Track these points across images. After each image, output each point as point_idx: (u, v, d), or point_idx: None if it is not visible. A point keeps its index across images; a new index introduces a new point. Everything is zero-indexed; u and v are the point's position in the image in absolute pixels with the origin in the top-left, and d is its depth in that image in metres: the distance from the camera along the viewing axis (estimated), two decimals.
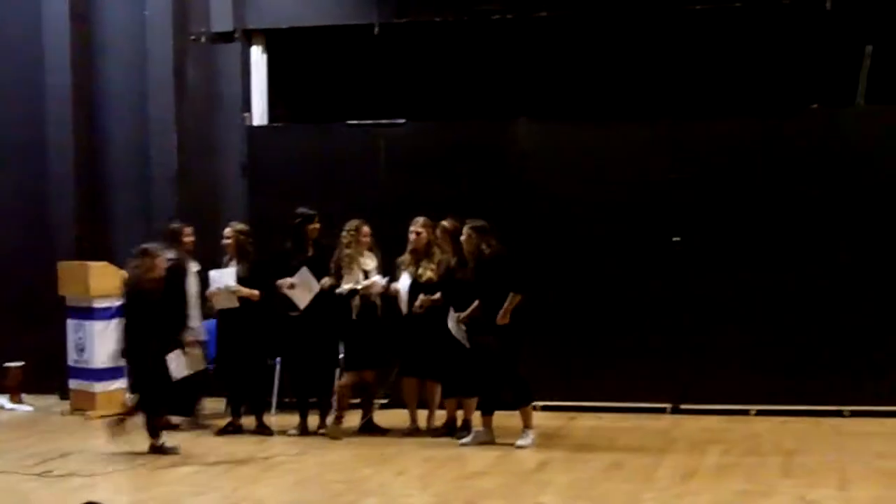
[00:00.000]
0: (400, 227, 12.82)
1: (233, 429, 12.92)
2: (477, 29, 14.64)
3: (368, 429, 12.84)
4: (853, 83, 13.93)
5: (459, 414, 12.58)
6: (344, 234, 12.76)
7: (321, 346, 12.79)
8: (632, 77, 14.68)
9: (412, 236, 12.69)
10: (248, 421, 12.97)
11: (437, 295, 12.43)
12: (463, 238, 12.13)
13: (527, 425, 12.10)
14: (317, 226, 12.91)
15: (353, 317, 12.64)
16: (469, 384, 12.33)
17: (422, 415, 12.89)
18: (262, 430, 12.88)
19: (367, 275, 12.72)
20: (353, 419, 12.90)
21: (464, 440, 12.15)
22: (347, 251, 12.72)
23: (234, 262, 12.92)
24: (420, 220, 12.68)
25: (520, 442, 11.98)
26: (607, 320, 13.84)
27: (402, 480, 10.73)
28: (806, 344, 13.43)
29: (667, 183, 13.74)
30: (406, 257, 12.75)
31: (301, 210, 12.92)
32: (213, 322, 13.22)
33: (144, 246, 12.05)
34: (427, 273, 12.58)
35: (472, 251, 12.06)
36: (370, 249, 12.85)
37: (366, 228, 12.80)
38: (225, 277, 12.83)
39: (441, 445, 12.10)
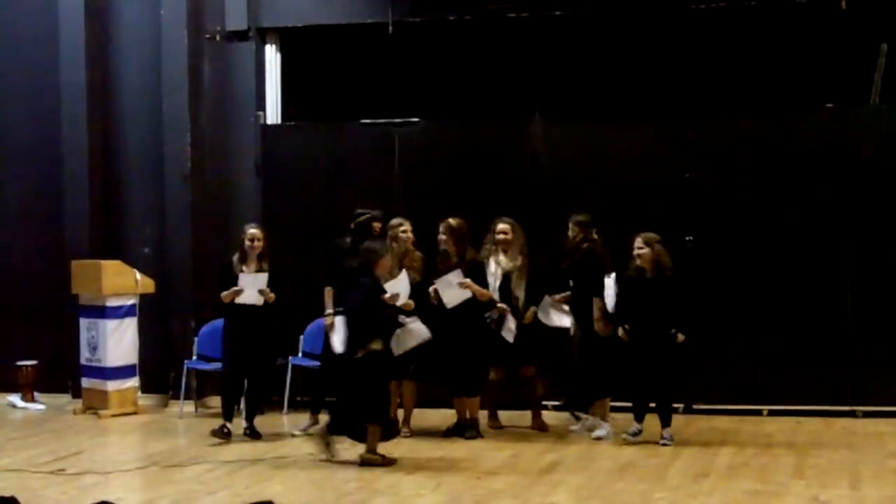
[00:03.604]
0: (413, 224, 12.80)
1: (227, 431, 12.78)
2: (491, 28, 14.63)
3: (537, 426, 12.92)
4: (868, 82, 13.89)
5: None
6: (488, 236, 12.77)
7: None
8: (646, 76, 14.66)
9: (402, 235, 12.65)
10: (259, 422, 12.92)
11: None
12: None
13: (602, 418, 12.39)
14: (379, 224, 12.82)
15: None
16: (472, 383, 12.37)
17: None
18: (251, 433, 12.68)
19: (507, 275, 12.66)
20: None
21: (598, 433, 12.28)
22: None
23: (252, 264, 12.75)
24: (404, 221, 12.70)
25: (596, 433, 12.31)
26: None
27: (414, 479, 10.71)
28: (818, 344, 13.42)
29: (681, 182, 13.72)
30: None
31: (364, 210, 12.83)
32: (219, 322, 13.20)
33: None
34: (412, 274, 12.55)
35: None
36: (510, 245, 12.73)
37: (499, 226, 12.70)
38: (258, 281, 12.68)
39: (453, 445, 12.10)
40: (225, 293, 12.68)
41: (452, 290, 12.31)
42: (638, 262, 11.97)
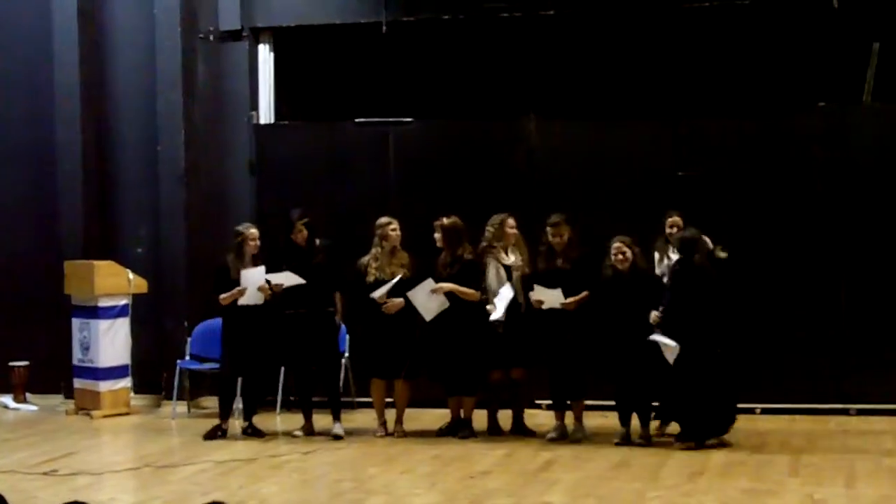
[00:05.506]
0: (408, 224, 12.78)
1: (221, 433, 12.77)
2: (485, 27, 14.62)
3: (520, 430, 12.70)
4: (860, 81, 13.92)
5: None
6: (488, 228, 12.57)
7: (325, 346, 12.75)
8: (639, 74, 14.67)
9: (392, 234, 12.62)
10: (258, 420, 12.93)
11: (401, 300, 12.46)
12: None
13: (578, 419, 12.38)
14: (301, 233, 12.72)
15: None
16: (469, 383, 12.36)
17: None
18: (253, 432, 12.73)
19: (508, 270, 12.46)
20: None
21: (550, 435, 12.25)
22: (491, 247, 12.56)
23: (249, 265, 12.65)
24: (393, 220, 12.64)
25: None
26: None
27: (409, 479, 10.71)
28: (812, 342, 13.41)
29: (674, 180, 13.71)
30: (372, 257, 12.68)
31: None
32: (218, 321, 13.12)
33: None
34: (402, 271, 12.53)
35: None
36: (515, 243, 12.57)
37: (511, 221, 12.53)
38: (258, 276, 12.64)
39: (447, 444, 12.09)
40: (224, 295, 12.60)
41: (427, 301, 12.27)
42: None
